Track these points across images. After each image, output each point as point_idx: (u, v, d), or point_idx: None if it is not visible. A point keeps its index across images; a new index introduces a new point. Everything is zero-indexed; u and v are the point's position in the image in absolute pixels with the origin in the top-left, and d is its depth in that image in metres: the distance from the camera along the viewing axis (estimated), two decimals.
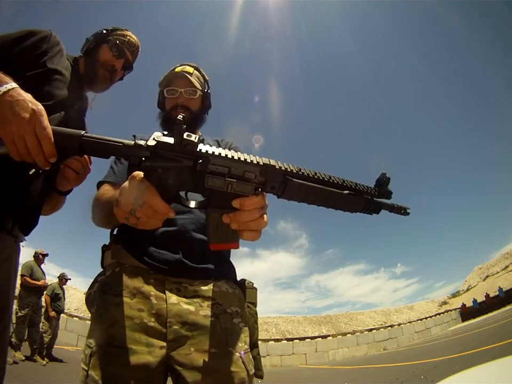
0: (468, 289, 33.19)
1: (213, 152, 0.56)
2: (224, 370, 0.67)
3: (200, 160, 0.55)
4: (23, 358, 4.78)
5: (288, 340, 13.81)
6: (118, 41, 1.00)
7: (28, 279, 4.89)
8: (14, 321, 5.38)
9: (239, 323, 0.77)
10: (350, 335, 14.61)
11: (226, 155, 0.56)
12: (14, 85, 0.59)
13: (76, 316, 12.30)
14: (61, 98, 0.84)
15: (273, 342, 13.37)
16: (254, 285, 0.97)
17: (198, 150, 0.55)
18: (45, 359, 5.21)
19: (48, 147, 0.54)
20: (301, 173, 0.59)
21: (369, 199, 0.65)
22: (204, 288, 0.76)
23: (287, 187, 0.58)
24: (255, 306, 0.92)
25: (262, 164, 0.57)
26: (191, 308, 0.72)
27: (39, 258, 5.22)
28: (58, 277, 5.93)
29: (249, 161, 0.57)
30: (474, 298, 19.99)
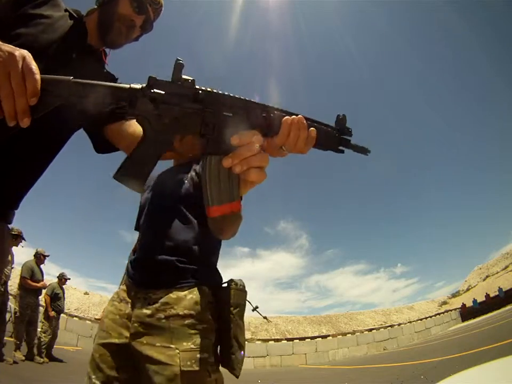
0: (468, 289, 33.20)
1: (212, 89, 0.54)
2: (162, 362, 0.83)
3: (201, 95, 0.52)
4: (23, 357, 4.79)
5: (288, 339, 13.82)
6: None
7: (29, 281, 4.88)
8: (13, 321, 5.40)
9: (191, 324, 0.88)
10: (350, 335, 14.61)
11: (227, 93, 0.55)
12: None
13: (76, 316, 12.31)
14: (47, 43, 0.67)
15: (273, 342, 13.38)
16: (243, 286, 1.02)
17: (197, 87, 0.53)
18: (44, 358, 5.22)
19: (32, 84, 0.46)
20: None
21: (344, 138, 0.68)
22: (164, 296, 0.91)
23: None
24: (237, 308, 0.97)
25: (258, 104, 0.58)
26: (148, 312, 0.89)
27: (40, 258, 5.20)
28: (58, 277, 5.93)
29: (253, 100, 0.57)
30: (474, 298, 20.00)
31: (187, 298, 0.91)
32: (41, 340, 5.36)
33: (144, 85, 0.51)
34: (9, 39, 0.53)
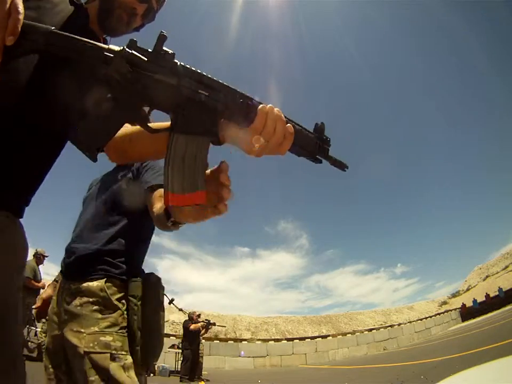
0: (468, 289, 33.21)
1: (189, 67, 0.52)
2: (74, 345, 0.94)
3: (178, 67, 0.50)
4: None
5: (288, 339, 13.83)
6: None
7: (33, 282, 4.88)
8: None
9: (98, 310, 0.99)
10: (350, 335, 14.63)
11: (201, 72, 0.53)
12: None
13: None
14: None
15: (273, 342, 13.39)
16: (157, 281, 1.13)
17: (176, 61, 0.51)
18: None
19: (14, 23, 0.44)
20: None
21: (324, 146, 0.65)
22: (80, 286, 1.02)
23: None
24: (135, 298, 1.06)
25: (232, 89, 0.55)
26: (69, 300, 1.01)
27: (40, 258, 5.19)
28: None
29: (221, 83, 0.55)
30: (474, 298, 20.00)
31: (94, 286, 1.02)
32: (41, 340, 5.37)
33: (123, 47, 0.48)
34: None
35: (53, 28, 0.47)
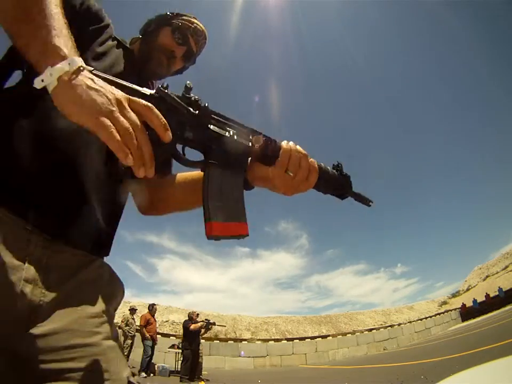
0: (467, 289, 33.20)
1: (215, 111, 0.56)
2: None
3: (205, 106, 0.54)
4: None
5: (288, 339, 13.83)
6: (182, 26, 0.86)
7: None
8: None
9: None
10: (350, 335, 14.63)
11: (225, 115, 0.57)
12: (76, 59, 0.43)
13: None
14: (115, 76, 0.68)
15: (273, 342, 13.38)
16: None
17: (205, 105, 0.54)
18: None
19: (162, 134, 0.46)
20: None
21: (348, 182, 0.70)
22: None
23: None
24: None
25: (257, 132, 0.61)
26: None
27: None
28: None
29: (246, 126, 0.60)
30: (474, 298, 19.99)
31: None
32: None
33: (155, 92, 0.51)
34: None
35: (92, 68, 0.46)
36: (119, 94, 0.44)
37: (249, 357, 12.01)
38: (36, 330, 0.48)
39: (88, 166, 0.60)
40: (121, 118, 0.41)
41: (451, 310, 19.56)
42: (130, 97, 0.45)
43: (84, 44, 0.62)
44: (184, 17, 0.88)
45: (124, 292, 0.71)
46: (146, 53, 0.84)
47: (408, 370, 5.01)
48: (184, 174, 0.76)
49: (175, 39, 0.85)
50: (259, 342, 13.56)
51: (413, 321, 17.44)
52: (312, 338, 14.01)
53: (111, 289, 0.66)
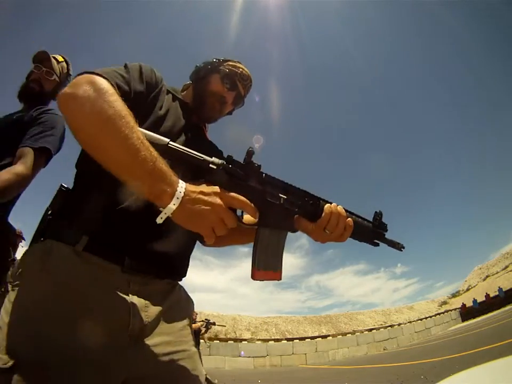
0: (467, 289, 33.20)
1: (271, 176, 0.69)
2: None
3: (264, 176, 0.68)
4: None
5: (288, 339, 13.83)
6: (230, 72, 0.95)
7: None
8: None
9: None
10: (350, 335, 14.63)
11: (279, 179, 0.70)
12: (182, 184, 0.57)
13: None
14: (178, 132, 0.82)
15: (273, 342, 13.39)
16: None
17: (263, 174, 0.67)
18: None
19: (231, 222, 0.61)
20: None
21: (380, 232, 0.82)
22: None
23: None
24: None
25: (307, 193, 0.74)
26: None
27: None
28: None
29: (297, 188, 0.73)
30: (474, 298, 19.99)
31: None
32: None
33: (223, 162, 0.63)
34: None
35: (168, 140, 0.60)
36: (217, 201, 0.59)
37: (249, 357, 12.02)
38: (146, 342, 0.65)
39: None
40: (225, 224, 0.60)
41: (451, 310, 19.56)
42: (224, 195, 0.60)
43: (148, 111, 0.76)
44: (230, 63, 0.97)
45: (194, 305, 0.88)
46: (200, 99, 0.93)
47: (408, 370, 5.02)
48: None
49: (225, 85, 0.94)
50: (259, 342, 13.56)
51: (413, 321, 17.44)
52: (312, 338, 14.01)
53: (188, 305, 0.85)
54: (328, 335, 14.78)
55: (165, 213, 0.56)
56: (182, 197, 0.55)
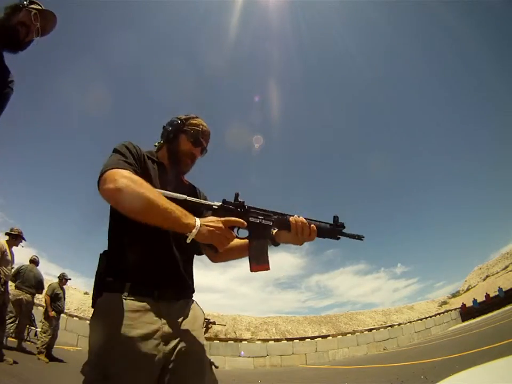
0: (468, 289, 33.20)
1: (252, 206, 1.05)
2: None
3: (247, 207, 1.04)
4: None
5: (288, 339, 13.81)
6: (194, 133, 1.18)
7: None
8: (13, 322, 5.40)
9: None
10: (350, 335, 14.61)
11: (258, 207, 1.06)
12: (197, 219, 0.91)
13: (76, 316, 12.31)
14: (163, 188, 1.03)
15: (273, 342, 13.38)
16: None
17: (246, 206, 1.04)
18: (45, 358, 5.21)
19: (232, 238, 0.97)
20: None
21: (339, 230, 1.11)
22: None
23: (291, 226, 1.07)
24: None
25: (278, 213, 1.07)
26: None
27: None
28: (58, 277, 5.95)
29: (271, 211, 1.07)
30: (474, 298, 19.99)
31: None
32: (41, 339, 5.37)
33: (221, 203, 1.03)
34: None
35: (186, 197, 0.97)
36: (220, 225, 0.93)
37: (249, 357, 12.02)
38: (172, 344, 0.94)
39: (178, 250, 1.04)
40: (228, 238, 0.95)
41: (451, 310, 19.55)
42: (223, 220, 0.94)
43: (143, 178, 0.95)
44: (191, 121, 1.20)
45: (204, 313, 1.15)
46: (174, 158, 1.17)
47: (408, 370, 5.02)
48: (235, 241, 1.17)
49: (192, 144, 1.18)
50: (259, 342, 13.55)
51: (413, 321, 17.43)
52: (312, 338, 14.00)
53: (200, 314, 1.11)
54: (328, 335, 14.77)
55: (191, 236, 0.89)
56: (199, 225, 0.89)
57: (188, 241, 0.89)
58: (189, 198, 0.97)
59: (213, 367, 1.07)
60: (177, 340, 0.95)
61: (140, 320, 0.90)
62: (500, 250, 37.32)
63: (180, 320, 0.99)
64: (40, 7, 1.33)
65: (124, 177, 0.85)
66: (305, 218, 1.05)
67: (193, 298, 1.12)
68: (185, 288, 1.08)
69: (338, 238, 1.11)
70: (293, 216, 1.05)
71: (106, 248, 1.02)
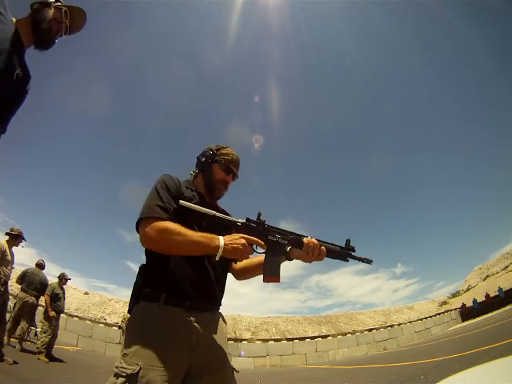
0: (468, 289, 33.19)
1: (271, 226, 1.17)
2: None
3: (267, 226, 1.17)
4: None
5: (288, 339, 13.81)
6: (226, 162, 1.30)
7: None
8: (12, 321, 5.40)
9: None
10: (350, 335, 14.61)
11: (276, 227, 1.18)
12: (221, 238, 1.05)
13: (76, 316, 12.30)
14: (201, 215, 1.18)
15: (273, 342, 13.38)
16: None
17: (266, 225, 1.17)
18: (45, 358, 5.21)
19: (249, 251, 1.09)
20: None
21: (348, 252, 1.19)
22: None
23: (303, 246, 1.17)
24: None
25: (294, 233, 1.18)
26: None
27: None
28: (58, 277, 5.95)
29: (288, 231, 1.18)
30: (474, 298, 19.99)
31: None
32: (41, 339, 5.37)
33: (244, 221, 1.16)
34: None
35: (215, 212, 1.14)
36: (242, 241, 1.06)
37: (249, 357, 12.02)
38: (199, 351, 1.04)
39: (210, 267, 1.15)
40: (248, 252, 1.08)
41: (451, 310, 19.55)
42: (246, 237, 1.07)
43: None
44: (222, 151, 1.33)
45: (227, 324, 1.25)
46: (210, 186, 1.30)
47: (408, 370, 5.02)
48: (252, 259, 1.31)
49: (225, 172, 1.30)
50: (259, 342, 13.55)
51: (413, 321, 17.43)
52: (312, 338, 14.00)
53: (224, 326, 1.22)
54: (328, 335, 14.76)
55: (218, 255, 1.03)
56: (224, 244, 1.03)
57: (217, 259, 1.03)
58: (218, 214, 1.14)
59: (234, 372, 1.17)
60: (203, 349, 1.05)
61: (171, 327, 1.02)
62: (500, 250, 37.34)
63: (207, 330, 1.09)
64: (66, 4, 1.30)
65: (158, 231, 1.03)
66: (317, 240, 1.16)
67: (219, 311, 1.23)
68: (214, 301, 1.19)
69: (347, 261, 1.19)
70: (306, 237, 1.16)
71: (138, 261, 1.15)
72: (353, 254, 1.18)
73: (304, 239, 1.15)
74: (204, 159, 1.32)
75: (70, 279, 6.08)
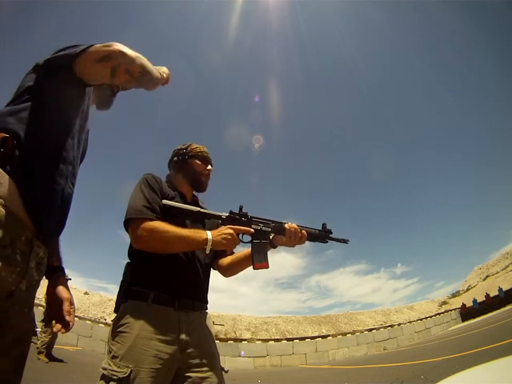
0: (468, 289, 33.20)
1: (254, 216, 1.22)
2: None
3: (250, 216, 1.22)
4: None
5: (288, 339, 13.82)
6: (201, 154, 1.36)
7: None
8: None
9: None
10: (350, 335, 14.61)
11: (258, 217, 1.23)
12: (208, 232, 1.09)
13: (76, 316, 12.26)
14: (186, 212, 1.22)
15: (273, 342, 13.38)
16: None
17: (249, 216, 1.21)
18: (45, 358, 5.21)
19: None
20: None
21: (326, 234, 1.27)
22: None
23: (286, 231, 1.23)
24: None
25: (275, 221, 1.24)
26: None
27: None
28: None
29: (270, 219, 1.24)
30: (474, 298, 19.99)
31: None
32: (41, 339, 5.37)
33: (228, 213, 1.20)
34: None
35: (199, 209, 1.18)
36: (229, 231, 1.11)
37: (249, 357, 12.02)
38: (188, 350, 1.04)
39: (199, 265, 1.18)
40: (235, 242, 1.12)
41: (451, 310, 19.55)
42: (232, 227, 1.13)
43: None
44: (193, 147, 1.36)
45: (214, 324, 1.31)
46: (196, 179, 1.34)
47: (408, 370, 5.01)
48: (238, 253, 1.34)
49: (203, 163, 1.35)
50: (259, 342, 13.56)
51: (413, 321, 17.44)
52: (312, 338, 14.00)
53: (212, 325, 1.24)
54: (328, 335, 14.77)
55: (208, 247, 1.07)
56: (212, 236, 1.08)
57: (207, 251, 1.07)
58: (202, 210, 1.19)
59: (223, 372, 1.15)
60: (193, 348, 1.05)
61: (160, 326, 1.01)
62: (500, 250, 37.38)
63: (197, 330, 1.10)
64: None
65: (148, 231, 1.05)
66: (297, 225, 1.23)
67: (206, 310, 1.24)
68: (203, 300, 1.21)
69: (326, 242, 1.28)
70: (287, 223, 1.22)
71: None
72: (331, 235, 1.27)
73: (286, 225, 1.21)
74: (178, 158, 1.35)
75: (70, 279, 6.05)
